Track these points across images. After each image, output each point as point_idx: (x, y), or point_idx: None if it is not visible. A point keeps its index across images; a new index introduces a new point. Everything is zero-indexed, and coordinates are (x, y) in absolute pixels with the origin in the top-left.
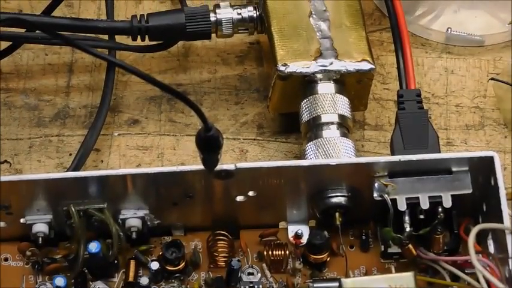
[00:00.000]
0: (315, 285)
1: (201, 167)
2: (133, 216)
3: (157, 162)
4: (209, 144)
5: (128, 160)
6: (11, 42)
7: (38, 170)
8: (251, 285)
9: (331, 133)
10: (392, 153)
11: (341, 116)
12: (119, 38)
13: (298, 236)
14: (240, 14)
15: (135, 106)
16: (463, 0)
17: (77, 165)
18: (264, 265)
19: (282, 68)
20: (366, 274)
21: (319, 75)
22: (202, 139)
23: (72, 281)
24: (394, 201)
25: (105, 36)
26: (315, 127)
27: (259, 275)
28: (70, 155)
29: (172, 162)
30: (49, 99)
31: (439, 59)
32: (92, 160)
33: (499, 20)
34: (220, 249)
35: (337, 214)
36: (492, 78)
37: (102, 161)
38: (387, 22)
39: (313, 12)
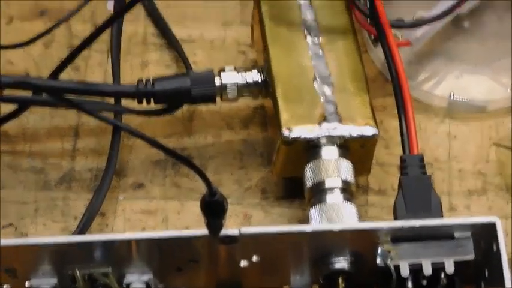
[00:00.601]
0: None
1: (205, 231)
2: (137, 280)
3: (161, 227)
4: (214, 209)
5: (132, 224)
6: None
7: (43, 233)
8: None
9: (334, 198)
10: (395, 219)
11: (344, 181)
12: (125, 101)
13: None
14: (244, 78)
15: (140, 170)
16: (466, 65)
17: (82, 229)
18: None
19: (286, 133)
20: None
21: (323, 140)
22: (206, 204)
23: None
24: (397, 267)
25: (111, 100)
26: (318, 192)
27: None
28: (75, 218)
29: (177, 227)
30: (55, 162)
31: (442, 124)
32: (96, 224)
33: (501, 85)
34: None
35: (340, 279)
36: (495, 144)
37: (107, 225)
38: (390, 87)
39: (317, 77)
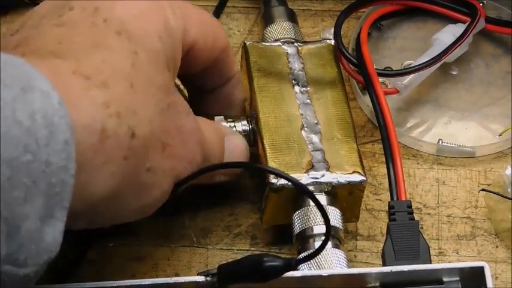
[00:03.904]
0: None
1: (195, 278)
2: None
3: (152, 273)
4: (267, 274)
5: (122, 271)
6: None
7: None
8: None
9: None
10: (384, 264)
11: (333, 228)
12: None
13: None
14: (233, 127)
15: None
16: (454, 112)
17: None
18: None
19: (274, 181)
20: None
21: (311, 187)
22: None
23: None
24: None
25: None
26: (307, 239)
27: None
28: (65, 265)
29: (167, 273)
30: None
31: (431, 170)
32: (87, 271)
33: (489, 131)
34: None
35: None
36: (483, 189)
37: (96, 272)
38: (379, 134)
39: (304, 125)
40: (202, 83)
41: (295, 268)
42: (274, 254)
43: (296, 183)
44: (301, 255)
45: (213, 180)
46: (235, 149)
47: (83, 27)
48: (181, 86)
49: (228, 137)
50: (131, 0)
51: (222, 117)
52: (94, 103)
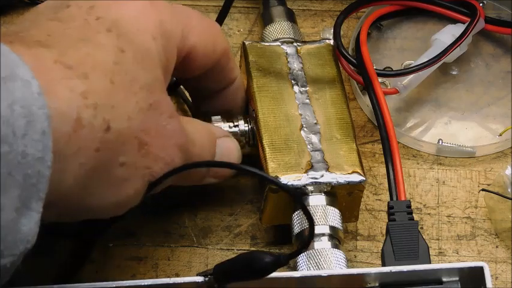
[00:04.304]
0: None
1: (195, 278)
2: None
3: (151, 273)
4: (263, 270)
5: (122, 271)
6: None
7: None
8: None
9: (322, 245)
10: (384, 264)
11: (332, 228)
12: None
13: None
14: (232, 127)
15: (130, 217)
16: (454, 112)
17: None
18: None
19: None
20: None
21: (310, 188)
22: (262, 262)
23: None
24: None
25: None
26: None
27: None
28: (65, 265)
29: (167, 273)
30: None
31: (431, 170)
32: (87, 271)
33: (489, 131)
34: None
35: None
36: (483, 189)
37: (96, 272)
38: (379, 134)
39: (304, 126)
40: (203, 86)
41: (285, 264)
42: (266, 250)
43: (276, 183)
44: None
45: (202, 182)
46: (227, 151)
47: (75, 23)
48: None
49: (221, 140)
50: (128, 0)
51: (219, 116)
52: (72, 92)
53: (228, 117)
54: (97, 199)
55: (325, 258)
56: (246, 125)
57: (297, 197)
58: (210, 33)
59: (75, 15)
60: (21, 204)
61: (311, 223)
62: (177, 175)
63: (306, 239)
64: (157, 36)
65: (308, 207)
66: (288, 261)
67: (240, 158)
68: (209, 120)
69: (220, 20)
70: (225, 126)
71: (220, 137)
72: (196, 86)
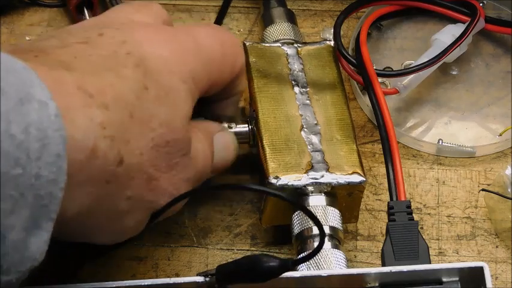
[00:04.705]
0: None
1: (195, 278)
2: None
3: (151, 273)
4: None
5: (122, 271)
6: None
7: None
8: None
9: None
10: (383, 264)
11: (332, 228)
12: None
13: None
14: (231, 128)
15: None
16: (454, 112)
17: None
18: None
19: (273, 181)
20: None
21: (310, 188)
22: (268, 266)
23: None
24: None
25: None
26: (306, 239)
27: None
28: (65, 265)
29: (167, 273)
30: None
31: (431, 170)
32: (87, 271)
33: (489, 131)
34: None
35: None
36: (483, 189)
37: (96, 272)
38: (379, 134)
39: (304, 126)
40: (212, 96)
41: (292, 269)
42: (273, 254)
43: (279, 196)
44: (300, 256)
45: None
46: (224, 146)
47: (104, 52)
48: None
49: (217, 136)
50: (160, 41)
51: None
52: (91, 121)
53: (225, 117)
54: (97, 226)
55: (325, 258)
56: (246, 125)
57: (304, 208)
58: (231, 60)
59: (106, 44)
60: (31, 224)
61: (319, 226)
62: None
63: (318, 245)
64: (187, 80)
65: (308, 207)
66: (295, 265)
67: (236, 149)
68: None
69: (219, 20)
70: (225, 126)
71: (217, 133)
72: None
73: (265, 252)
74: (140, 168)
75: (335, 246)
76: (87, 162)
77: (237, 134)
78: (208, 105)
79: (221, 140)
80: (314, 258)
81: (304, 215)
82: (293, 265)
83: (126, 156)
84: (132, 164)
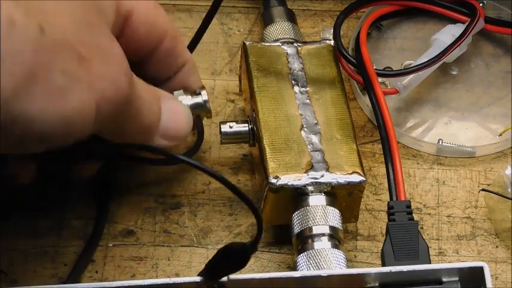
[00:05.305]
0: None
1: (194, 278)
2: None
3: (151, 273)
4: (237, 259)
5: (122, 271)
6: None
7: (33, 280)
8: None
9: (322, 245)
10: (383, 264)
11: (332, 228)
12: None
13: None
14: (232, 127)
15: (130, 217)
16: (454, 112)
17: (74, 277)
18: None
19: (273, 181)
20: None
21: (310, 188)
22: (236, 251)
23: None
24: None
25: None
26: (306, 239)
27: None
28: (65, 265)
29: (167, 273)
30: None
31: (431, 170)
32: (87, 271)
33: (489, 131)
34: None
35: None
36: (483, 189)
37: (96, 272)
38: (379, 134)
39: (304, 126)
40: (154, 72)
41: (251, 251)
42: (273, 254)
43: (203, 169)
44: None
45: (153, 142)
46: (174, 115)
47: None
48: None
49: (166, 100)
50: None
51: (181, 91)
52: None
53: (188, 89)
54: (39, 108)
55: (325, 258)
56: (246, 124)
57: (223, 179)
58: (151, 5)
59: None
60: None
61: (251, 206)
62: (114, 126)
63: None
64: None
65: (308, 207)
66: (253, 246)
67: (190, 123)
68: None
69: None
70: (226, 126)
71: (165, 97)
72: (148, 72)
73: (265, 252)
74: (66, 42)
75: (335, 246)
76: (7, 32)
77: (237, 134)
78: (163, 87)
79: (169, 106)
80: (314, 258)
81: (304, 214)
82: (251, 246)
83: (46, 26)
84: (56, 34)
